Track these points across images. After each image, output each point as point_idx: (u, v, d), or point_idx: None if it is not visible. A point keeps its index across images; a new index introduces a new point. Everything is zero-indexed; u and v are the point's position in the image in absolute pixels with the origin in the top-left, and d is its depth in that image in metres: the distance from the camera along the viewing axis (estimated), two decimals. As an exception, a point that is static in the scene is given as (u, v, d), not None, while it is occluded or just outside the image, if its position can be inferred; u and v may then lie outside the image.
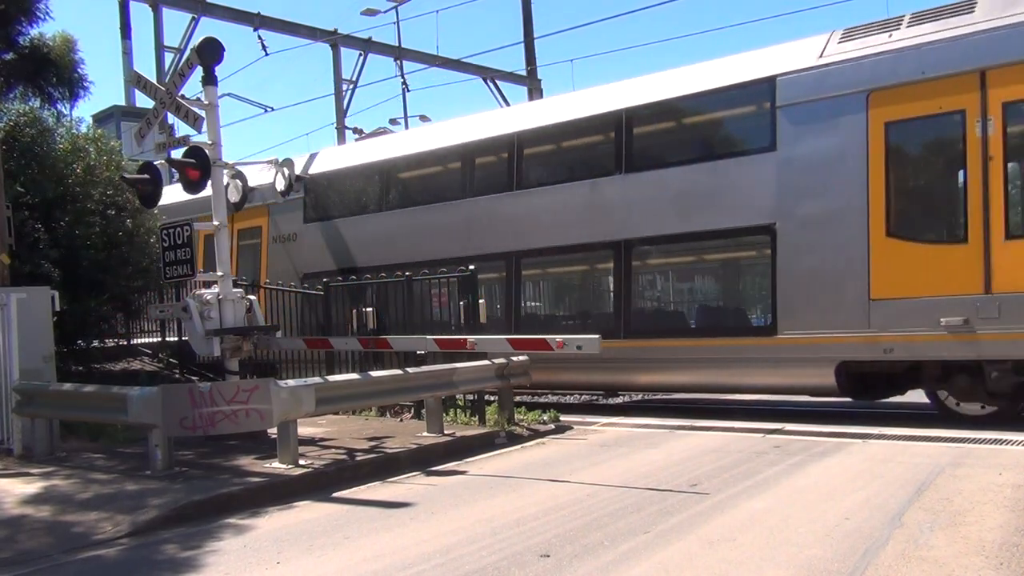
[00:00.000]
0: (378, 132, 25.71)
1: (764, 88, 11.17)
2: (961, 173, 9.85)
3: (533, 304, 11.47)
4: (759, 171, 11.05)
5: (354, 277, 13.36)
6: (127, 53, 27.01)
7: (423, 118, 31.77)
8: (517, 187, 13.41)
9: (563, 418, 11.91)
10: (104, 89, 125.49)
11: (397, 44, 31.96)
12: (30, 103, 14.14)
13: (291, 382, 8.88)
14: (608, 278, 11.86)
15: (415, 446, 9.60)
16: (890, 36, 10.51)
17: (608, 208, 12.22)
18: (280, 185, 11.46)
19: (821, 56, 10.93)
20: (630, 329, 11.13)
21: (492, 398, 11.94)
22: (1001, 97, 9.57)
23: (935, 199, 10.35)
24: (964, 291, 9.52)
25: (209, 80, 10.13)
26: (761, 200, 10.98)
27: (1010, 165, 9.58)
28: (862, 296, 10.04)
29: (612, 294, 10.45)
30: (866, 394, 11.29)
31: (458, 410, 11.58)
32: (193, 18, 27.47)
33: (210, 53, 10.02)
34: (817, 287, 10.15)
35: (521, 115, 14.61)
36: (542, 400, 15.55)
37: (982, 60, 9.63)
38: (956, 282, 9.57)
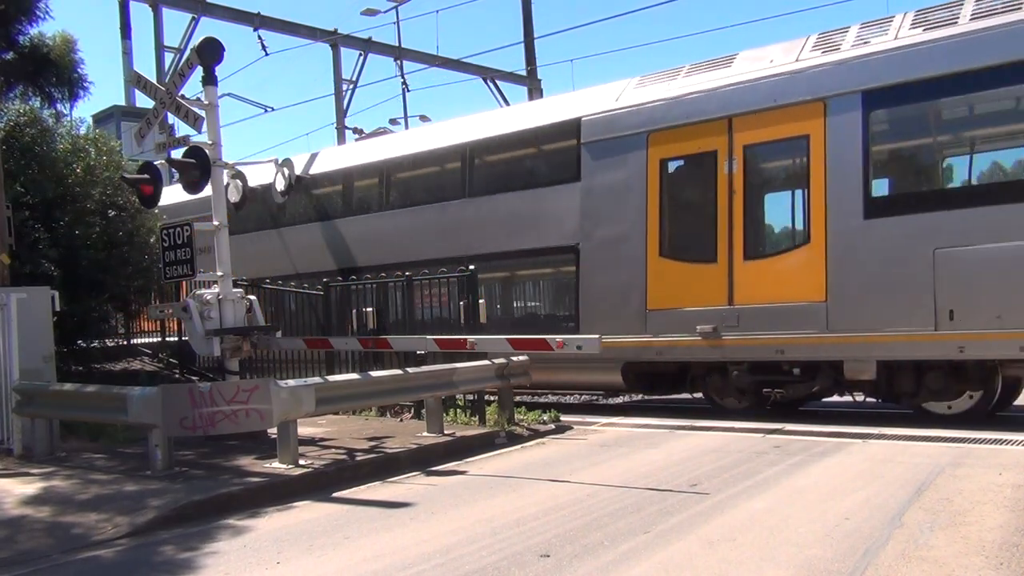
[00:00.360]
0: (378, 132, 25.68)
1: (572, 127, 13.01)
2: (713, 204, 11.55)
3: (399, 312, 12.66)
4: (567, 199, 12.84)
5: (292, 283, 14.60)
6: (127, 53, 27.01)
7: (423, 118, 31.78)
8: (387, 208, 15.41)
9: (563, 418, 11.92)
10: (104, 89, 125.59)
11: (397, 44, 31.96)
12: (30, 103, 14.15)
13: (291, 382, 8.88)
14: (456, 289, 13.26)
15: (415, 446, 9.60)
16: (668, 86, 12.29)
17: (456, 228, 14.00)
18: (280, 185, 11.46)
19: (617, 100, 12.79)
20: (474, 333, 11.88)
21: (492, 398, 11.95)
22: (743, 141, 11.33)
23: (694, 225, 11.93)
24: (714, 303, 11.28)
25: (209, 80, 10.13)
26: (569, 224, 12.76)
27: (748, 198, 11.35)
28: (641, 307, 11.70)
29: (460, 303, 11.66)
30: (651, 391, 13.41)
31: (458, 410, 11.58)
32: (193, 18, 27.47)
33: (210, 53, 10.02)
34: (608, 299, 11.65)
35: (392, 144, 16.44)
36: (542, 400, 15.55)
37: (730, 109, 11.38)
38: (709, 295, 11.33)
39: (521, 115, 14.90)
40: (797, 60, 11.25)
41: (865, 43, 10.88)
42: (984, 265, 9.70)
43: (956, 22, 10.40)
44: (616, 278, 11.86)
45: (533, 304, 12.06)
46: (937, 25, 10.52)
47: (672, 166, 12.05)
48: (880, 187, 10.79)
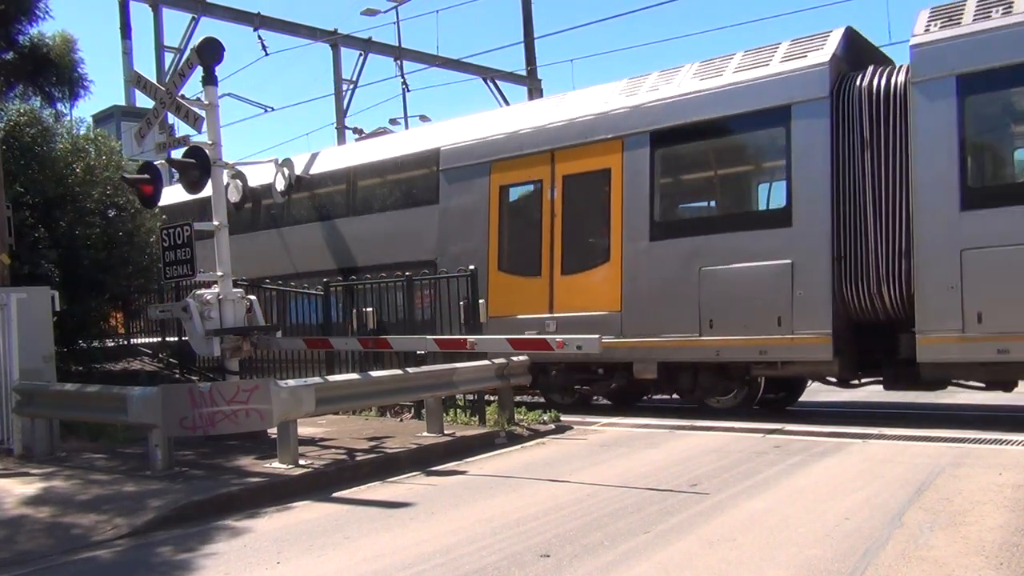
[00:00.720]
0: (378, 132, 25.65)
1: (432, 156, 14.78)
2: (539, 225, 13.23)
3: (303, 317, 13.91)
4: (428, 219, 14.59)
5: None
6: (127, 53, 27.01)
7: (423, 118, 31.77)
8: (288, 224, 17.03)
9: (563, 418, 11.93)
10: (104, 89, 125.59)
11: (397, 44, 31.96)
12: (30, 103, 14.14)
13: (291, 382, 8.87)
14: (344, 298, 14.08)
15: (415, 446, 9.60)
16: (507, 120, 14.44)
17: (343, 242, 15.53)
18: (280, 185, 11.47)
19: (468, 133, 14.68)
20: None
21: (492, 398, 11.96)
22: (562, 171, 13.08)
23: (525, 244, 13.44)
24: (539, 312, 12.72)
25: (209, 80, 10.12)
26: (429, 241, 14.46)
27: (565, 221, 13.04)
28: (485, 315, 12.36)
29: (346, 310, 12.93)
30: None
31: (458, 410, 11.59)
32: (193, 18, 27.48)
33: (210, 53, 10.01)
34: (458, 308, 12.35)
35: (297, 163, 17.22)
36: (542, 400, 15.54)
37: (553, 143, 13.16)
38: (535, 305, 12.79)
39: (397, 143, 16.81)
40: (605, 103, 13.05)
41: (656, 90, 12.66)
42: (734, 281, 11.33)
43: (722, 74, 12.06)
44: (464, 289, 12.58)
45: (403, 311, 12.67)
46: (709, 76, 12.21)
47: (510, 192, 13.87)
48: (661, 214, 12.40)
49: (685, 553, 5.42)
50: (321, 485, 8.06)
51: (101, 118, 24.87)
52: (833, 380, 11.79)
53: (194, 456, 9.31)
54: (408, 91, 31.85)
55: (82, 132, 14.61)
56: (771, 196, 11.92)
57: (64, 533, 6.64)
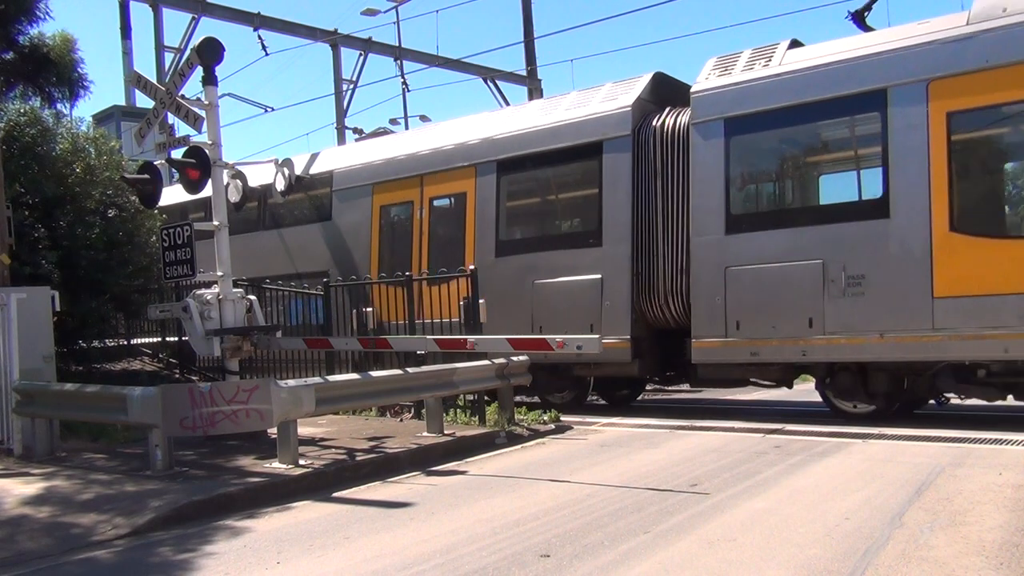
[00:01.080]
0: (378, 132, 25.64)
1: (327, 177, 16.39)
2: (410, 241, 14.96)
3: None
4: (323, 234, 16.19)
5: None
6: (127, 53, 27.03)
7: (423, 118, 31.75)
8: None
9: (563, 418, 11.94)
10: (104, 89, 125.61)
11: (397, 44, 31.97)
12: (30, 103, 14.14)
13: (291, 382, 8.87)
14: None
15: (415, 446, 9.60)
16: (387, 149, 16.11)
17: (260, 254, 16.70)
18: (280, 185, 11.47)
19: (356, 157, 16.45)
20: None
21: (492, 398, 11.96)
22: (429, 194, 14.79)
23: (400, 257, 14.91)
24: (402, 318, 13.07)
25: (209, 80, 10.12)
26: (323, 254, 16.00)
27: (431, 238, 14.75)
28: (368, 321, 13.08)
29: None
30: None
31: (458, 410, 11.59)
32: (193, 18, 27.49)
33: (210, 53, 10.01)
34: (345, 315, 13.40)
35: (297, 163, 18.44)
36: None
37: (421, 169, 14.77)
38: (404, 312, 13.18)
39: (300, 164, 17.43)
40: (463, 135, 14.70)
41: (504, 123, 14.46)
42: (558, 293, 12.86)
43: (556, 111, 13.75)
44: (350, 298, 13.98)
45: (304, 317, 14.20)
46: (547, 112, 13.98)
47: (388, 211, 15.48)
48: (503, 233, 14.02)
49: (685, 553, 5.42)
50: (321, 485, 8.06)
51: (101, 118, 24.85)
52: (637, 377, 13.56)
53: (194, 456, 9.31)
54: (408, 91, 31.86)
55: (82, 132, 14.59)
56: (587, 220, 13.43)
57: (64, 533, 6.64)
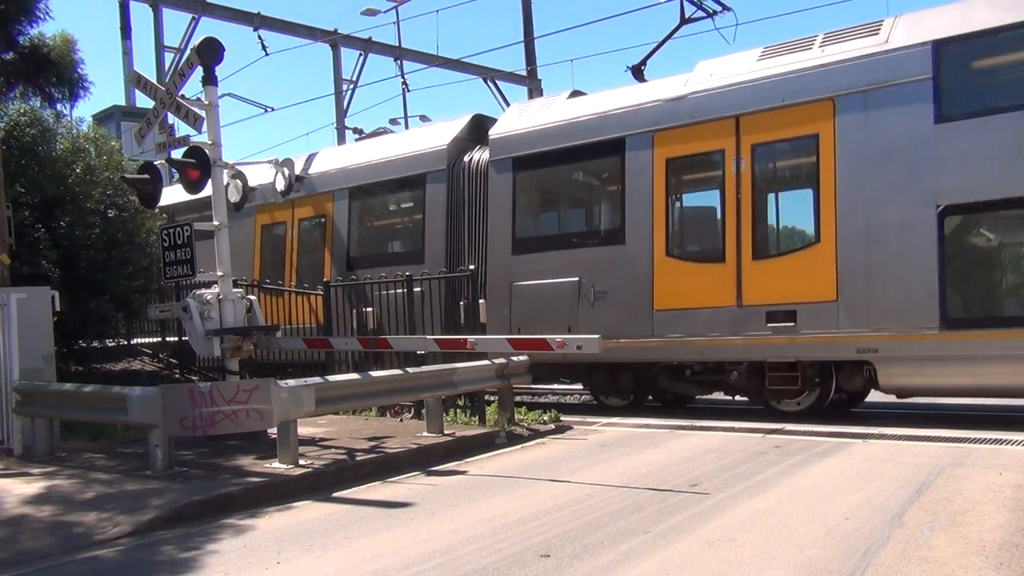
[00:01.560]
0: (378, 132, 25.65)
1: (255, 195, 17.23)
2: (283, 255, 17.11)
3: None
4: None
5: None
6: (127, 53, 27.04)
7: (423, 118, 31.78)
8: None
9: (563, 418, 11.93)
10: (104, 89, 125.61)
11: (397, 44, 32.00)
12: (30, 103, 14.14)
13: (291, 382, 8.86)
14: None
15: (415, 446, 9.61)
16: (306, 166, 17.20)
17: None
18: (280, 185, 11.46)
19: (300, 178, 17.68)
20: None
21: (492, 398, 11.96)
22: (298, 216, 16.87)
23: (276, 269, 16.93)
24: (283, 321, 14.20)
25: (209, 80, 10.11)
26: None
27: (300, 252, 16.94)
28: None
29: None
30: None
31: (458, 410, 11.59)
32: (193, 18, 27.51)
33: (210, 53, 10.00)
34: (270, 318, 14.00)
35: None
36: (542, 400, 15.58)
37: (290, 196, 14.44)
38: (279, 316, 14.44)
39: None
40: (325, 164, 16.78)
41: (357, 154, 16.75)
42: (392, 302, 12.86)
43: (400, 144, 16.17)
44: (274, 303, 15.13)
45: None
46: (395, 145, 16.29)
47: (265, 230, 17.60)
48: (356, 250, 16.14)
49: (685, 553, 5.42)
50: (321, 485, 8.06)
51: (101, 118, 24.85)
52: None
53: (194, 456, 9.31)
54: (408, 91, 31.91)
55: (82, 132, 14.60)
56: (415, 241, 15.47)
57: (66, 532, 6.65)
